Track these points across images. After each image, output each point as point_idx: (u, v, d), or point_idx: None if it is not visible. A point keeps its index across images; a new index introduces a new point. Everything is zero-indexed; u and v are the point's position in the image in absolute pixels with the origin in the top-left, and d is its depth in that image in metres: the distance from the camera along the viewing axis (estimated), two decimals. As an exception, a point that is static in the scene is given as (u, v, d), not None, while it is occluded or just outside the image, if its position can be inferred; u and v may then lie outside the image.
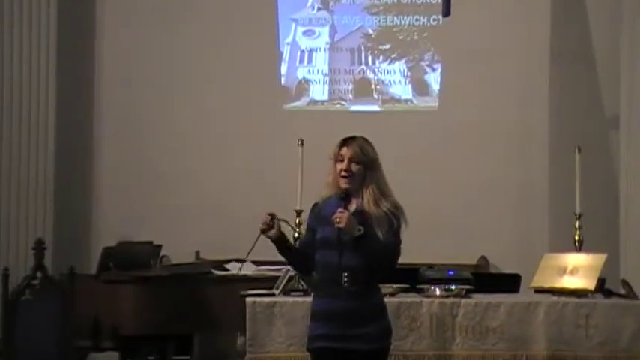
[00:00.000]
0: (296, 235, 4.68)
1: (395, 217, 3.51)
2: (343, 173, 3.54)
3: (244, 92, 7.11)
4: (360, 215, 3.49)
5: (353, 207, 3.54)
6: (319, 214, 3.60)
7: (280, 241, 3.58)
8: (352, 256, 3.49)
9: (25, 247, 6.20)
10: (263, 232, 3.54)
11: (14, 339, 5.10)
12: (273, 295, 4.47)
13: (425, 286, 4.58)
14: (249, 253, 3.80)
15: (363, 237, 3.45)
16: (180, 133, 7.13)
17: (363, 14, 7.29)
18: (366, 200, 3.52)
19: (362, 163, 3.53)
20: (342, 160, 3.55)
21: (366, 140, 3.60)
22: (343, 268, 3.49)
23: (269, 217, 3.54)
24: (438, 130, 7.06)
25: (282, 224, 3.62)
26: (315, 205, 3.65)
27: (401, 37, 7.27)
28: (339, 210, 3.46)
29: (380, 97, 7.29)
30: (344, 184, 3.54)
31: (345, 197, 3.53)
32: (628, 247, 6.13)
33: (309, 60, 7.31)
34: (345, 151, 3.55)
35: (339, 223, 3.44)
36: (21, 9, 6.62)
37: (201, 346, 5.94)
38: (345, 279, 3.49)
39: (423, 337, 4.40)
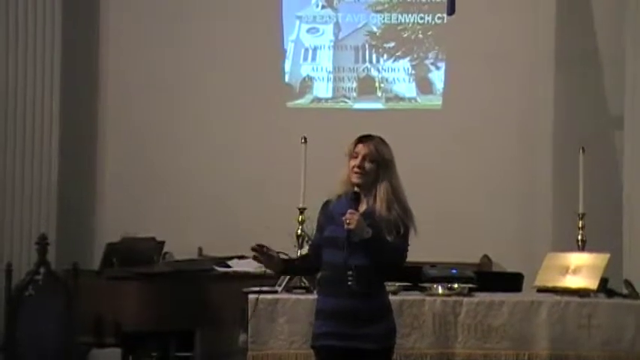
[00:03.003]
0: (299, 232, 4.69)
1: (403, 223, 3.51)
2: (355, 169, 3.54)
3: (248, 90, 7.11)
4: (370, 217, 3.50)
5: (363, 207, 3.54)
6: (330, 212, 3.60)
7: (284, 269, 3.63)
8: (359, 257, 3.49)
9: (28, 242, 6.21)
10: (266, 265, 3.56)
11: (17, 334, 5.11)
12: (275, 292, 4.47)
13: (428, 285, 4.58)
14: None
15: (372, 239, 3.46)
16: (184, 130, 7.13)
17: (368, 12, 7.28)
18: (379, 201, 3.52)
19: (375, 162, 3.54)
20: (357, 157, 3.55)
21: (382, 141, 3.60)
22: (349, 267, 3.49)
23: (259, 249, 3.52)
24: (442, 128, 7.05)
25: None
26: (327, 202, 3.65)
27: (405, 36, 7.26)
28: (350, 211, 3.45)
29: (384, 95, 7.28)
30: (355, 178, 3.54)
31: (355, 198, 3.52)
32: (631, 247, 6.13)
33: (313, 58, 7.31)
34: (360, 148, 3.56)
35: (349, 224, 3.43)
36: (25, 15, 6.63)
37: (203, 343, 5.95)
38: (350, 278, 3.49)
39: (425, 335, 4.40)
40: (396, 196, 3.54)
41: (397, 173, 3.58)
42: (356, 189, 3.56)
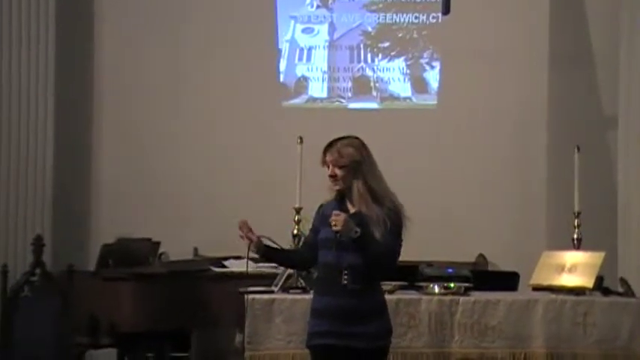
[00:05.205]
0: (295, 231, 4.69)
1: (389, 218, 3.52)
2: (330, 179, 3.61)
3: (243, 89, 7.11)
4: (359, 216, 3.52)
5: (353, 208, 3.57)
6: (323, 215, 3.65)
7: (266, 253, 3.67)
8: (352, 256, 3.51)
9: (24, 243, 6.19)
10: (250, 240, 3.63)
11: (13, 335, 5.10)
12: (272, 292, 4.47)
13: (424, 284, 4.58)
14: (247, 264, 3.87)
15: (361, 238, 3.47)
16: (179, 130, 7.11)
17: (363, 12, 7.29)
18: (355, 202, 3.55)
19: (344, 167, 3.57)
20: (328, 166, 3.61)
21: (349, 142, 3.62)
22: (343, 267, 3.52)
23: (244, 225, 3.63)
24: (437, 128, 7.06)
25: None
26: (321, 206, 3.71)
27: (400, 35, 7.26)
28: (335, 212, 3.49)
29: (379, 94, 7.29)
30: (334, 187, 3.62)
31: (340, 199, 3.57)
32: (626, 245, 6.15)
33: (308, 57, 7.31)
34: (327, 157, 3.62)
35: (335, 226, 3.46)
36: (19, 16, 6.63)
37: (200, 343, 5.95)
38: (346, 277, 3.51)
39: (421, 334, 4.41)
40: (373, 193, 3.55)
41: (373, 169, 3.59)
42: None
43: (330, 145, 3.62)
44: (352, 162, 3.56)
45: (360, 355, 3.52)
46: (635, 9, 6.28)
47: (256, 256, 3.78)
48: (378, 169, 3.61)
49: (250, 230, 3.65)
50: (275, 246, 3.73)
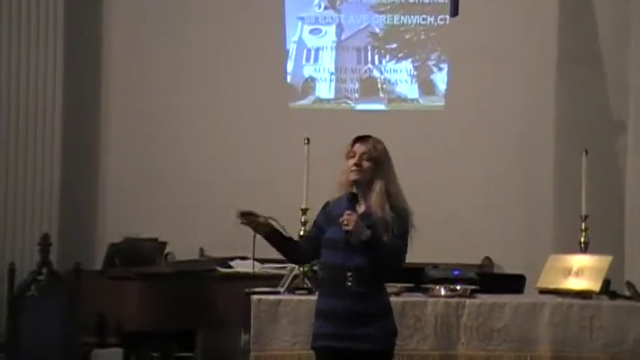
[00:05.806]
0: (301, 232, 4.69)
1: (398, 221, 3.52)
2: (353, 167, 3.58)
3: (250, 90, 7.12)
4: (367, 218, 3.51)
5: (362, 208, 3.56)
6: (329, 213, 3.63)
7: (272, 235, 3.65)
8: (358, 257, 3.50)
9: (31, 242, 6.21)
10: (255, 229, 3.63)
11: (19, 334, 5.12)
12: (278, 293, 4.48)
13: (430, 286, 4.58)
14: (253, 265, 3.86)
15: (370, 241, 3.47)
16: (186, 130, 7.13)
17: (370, 13, 7.28)
18: (373, 200, 3.54)
19: (372, 160, 3.57)
20: (354, 156, 3.59)
21: (379, 141, 3.65)
22: (348, 268, 3.51)
23: (241, 216, 3.61)
24: (444, 130, 7.05)
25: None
26: (327, 203, 3.69)
27: (408, 37, 7.26)
28: (347, 212, 3.47)
29: (386, 96, 7.28)
30: (353, 175, 3.57)
31: (352, 198, 3.55)
32: (633, 249, 6.14)
33: (316, 58, 7.31)
34: (357, 147, 3.61)
35: (346, 225, 3.45)
36: (28, 15, 6.66)
37: (205, 343, 5.96)
38: (350, 279, 3.50)
39: (427, 336, 4.40)
40: (390, 196, 3.55)
41: (393, 173, 3.61)
42: (354, 190, 3.58)
43: (364, 137, 3.64)
44: (381, 159, 3.57)
45: (365, 357, 3.52)
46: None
47: (262, 254, 3.77)
48: (395, 173, 3.63)
49: (252, 214, 3.61)
50: (280, 229, 3.68)
